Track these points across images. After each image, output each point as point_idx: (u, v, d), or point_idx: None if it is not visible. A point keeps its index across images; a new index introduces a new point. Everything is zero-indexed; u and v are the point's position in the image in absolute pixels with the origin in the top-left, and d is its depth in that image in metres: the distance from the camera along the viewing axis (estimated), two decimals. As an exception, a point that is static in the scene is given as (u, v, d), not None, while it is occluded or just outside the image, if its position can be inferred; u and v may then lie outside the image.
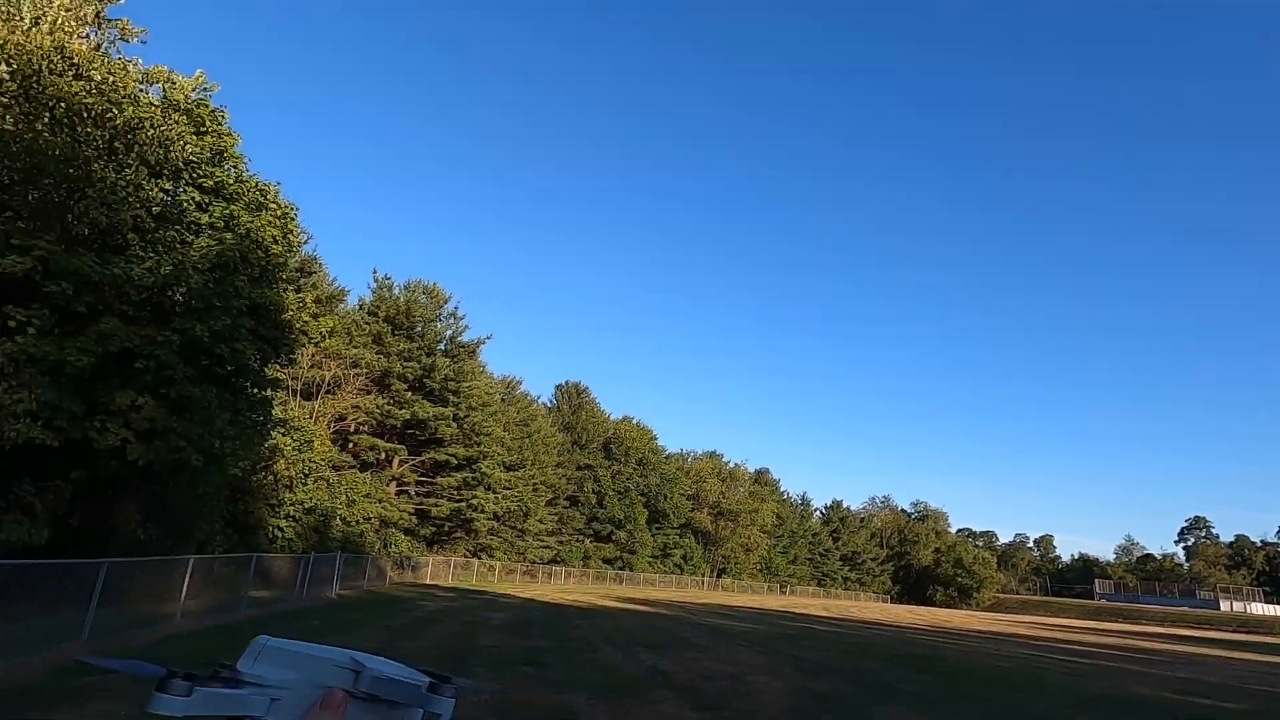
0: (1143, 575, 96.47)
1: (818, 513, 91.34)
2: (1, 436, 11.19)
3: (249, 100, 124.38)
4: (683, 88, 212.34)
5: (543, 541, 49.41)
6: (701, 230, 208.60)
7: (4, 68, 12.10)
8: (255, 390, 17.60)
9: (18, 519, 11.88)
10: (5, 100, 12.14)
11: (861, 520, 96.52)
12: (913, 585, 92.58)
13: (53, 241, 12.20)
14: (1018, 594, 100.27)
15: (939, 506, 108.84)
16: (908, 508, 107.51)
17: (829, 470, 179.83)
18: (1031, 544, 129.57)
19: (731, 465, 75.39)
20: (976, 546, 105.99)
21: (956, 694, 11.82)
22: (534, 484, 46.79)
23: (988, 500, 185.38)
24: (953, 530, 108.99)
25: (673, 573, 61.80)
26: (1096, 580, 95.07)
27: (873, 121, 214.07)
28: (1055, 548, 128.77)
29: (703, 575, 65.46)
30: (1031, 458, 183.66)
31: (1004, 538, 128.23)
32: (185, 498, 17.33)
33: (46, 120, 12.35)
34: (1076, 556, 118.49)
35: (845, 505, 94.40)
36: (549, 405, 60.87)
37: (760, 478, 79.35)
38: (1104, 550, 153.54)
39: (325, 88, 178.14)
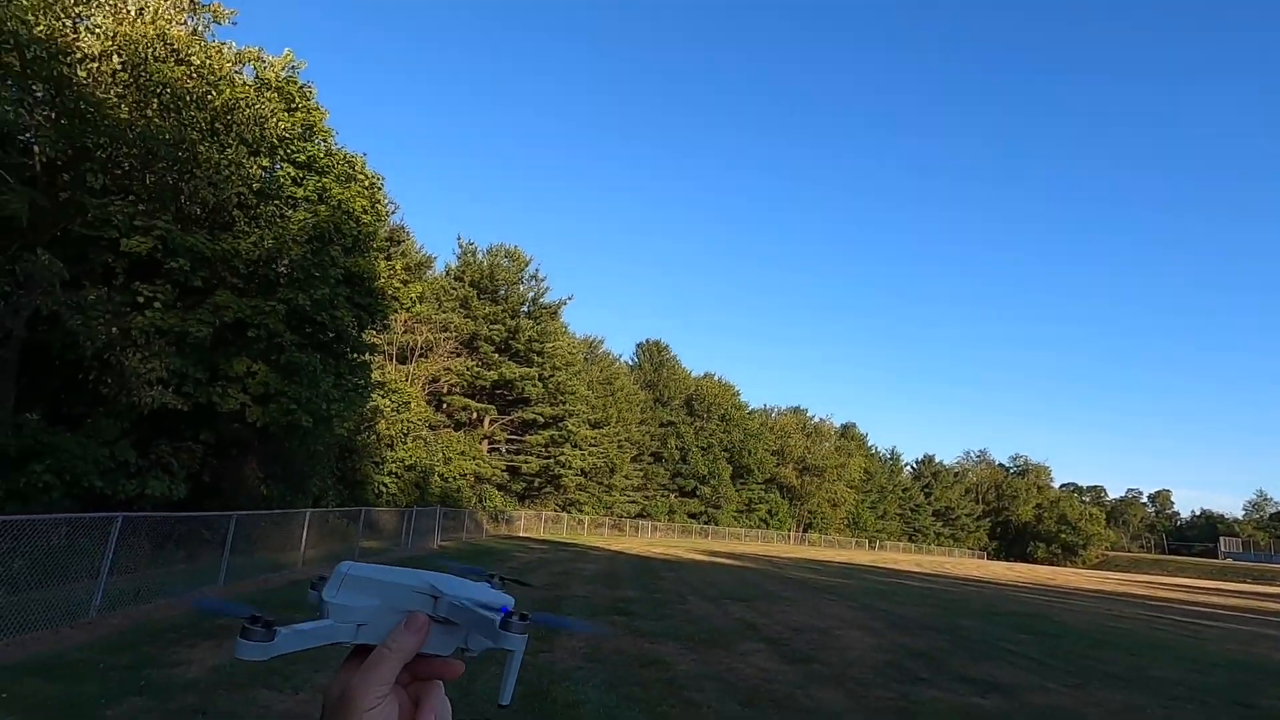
0: (1276, 533, 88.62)
1: (908, 467, 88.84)
2: (139, 402, 12.37)
3: (327, 73, 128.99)
4: (763, 32, 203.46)
5: (629, 496, 50.56)
6: (780, 176, 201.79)
7: (116, 59, 12.93)
8: (355, 355, 18.60)
9: (159, 476, 13.19)
10: (119, 90, 13.00)
11: (955, 475, 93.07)
12: (1011, 542, 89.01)
13: (169, 221, 13.14)
14: (1129, 552, 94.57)
15: (1040, 461, 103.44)
16: (1005, 462, 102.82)
17: (919, 425, 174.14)
18: (1145, 500, 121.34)
19: (816, 420, 74.19)
20: (1083, 502, 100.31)
21: (1064, 654, 11.25)
22: (618, 441, 47.72)
23: (1095, 454, 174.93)
24: (1055, 485, 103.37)
25: (758, 527, 61.94)
26: (1221, 538, 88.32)
27: (940, 52, 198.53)
28: (1173, 503, 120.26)
29: (788, 530, 65.27)
30: (1145, 407, 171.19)
31: (1114, 493, 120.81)
32: (300, 456, 18.71)
33: (155, 106, 13.16)
34: (1198, 513, 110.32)
35: (938, 460, 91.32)
36: (631, 363, 61.49)
37: (846, 432, 77.75)
38: (1230, 506, 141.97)
39: (400, 54, 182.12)
